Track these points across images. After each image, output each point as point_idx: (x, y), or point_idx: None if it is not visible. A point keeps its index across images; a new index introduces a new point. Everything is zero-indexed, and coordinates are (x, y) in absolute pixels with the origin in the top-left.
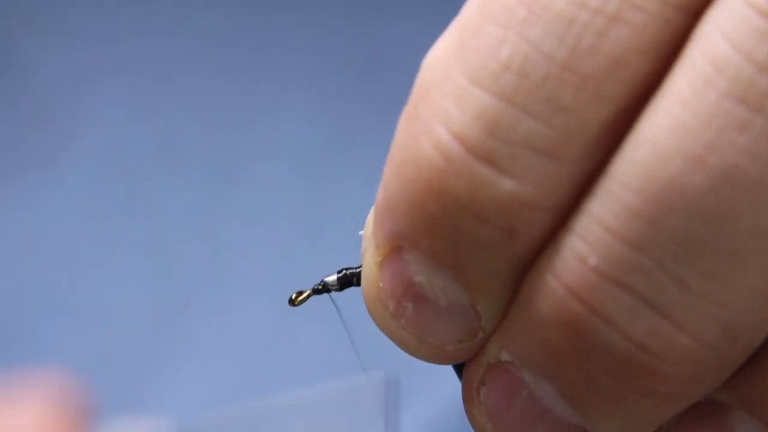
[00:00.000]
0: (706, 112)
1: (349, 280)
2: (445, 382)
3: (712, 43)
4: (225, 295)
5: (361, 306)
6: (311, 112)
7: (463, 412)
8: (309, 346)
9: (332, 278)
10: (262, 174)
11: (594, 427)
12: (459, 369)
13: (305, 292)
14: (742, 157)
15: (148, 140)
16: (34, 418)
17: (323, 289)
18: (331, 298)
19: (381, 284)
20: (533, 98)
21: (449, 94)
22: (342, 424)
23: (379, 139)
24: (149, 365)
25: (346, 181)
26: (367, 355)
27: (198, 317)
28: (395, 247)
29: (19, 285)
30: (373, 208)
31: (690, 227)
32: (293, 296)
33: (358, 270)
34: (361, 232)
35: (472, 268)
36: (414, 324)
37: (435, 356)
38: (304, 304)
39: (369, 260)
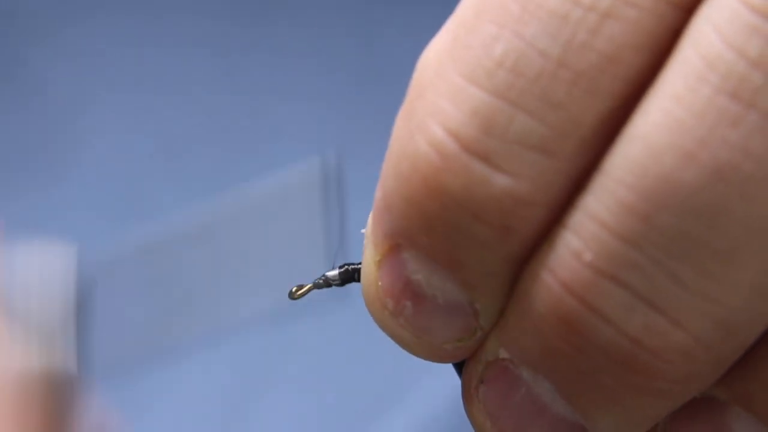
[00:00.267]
0: (698, 107)
1: (351, 275)
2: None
3: (704, 39)
4: (227, 301)
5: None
6: (314, 118)
7: (461, 410)
8: (309, 350)
9: (334, 273)
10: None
11: (591, 423)
12: (459, 367)
13: (306, 285)
14: (734, 153)
15: (153, 149)
16: None
17: (324, 283)
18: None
19: (380, 283)
20: (527, 95)
21: (444, 91)
22: (281, 215)
23: (381, 144)
24: (144, 373)
25: (349, 189)
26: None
27: (200, 324)
28: (393, 246)
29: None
30: (373, 207)
31: (683, 223)
32: (293, 289)
33: (359, 266)
34: (363, 230)
35: (469, 265)
36: (413, 322)
37: (434, 355)
38: (304, 298)
39: (368, 259)
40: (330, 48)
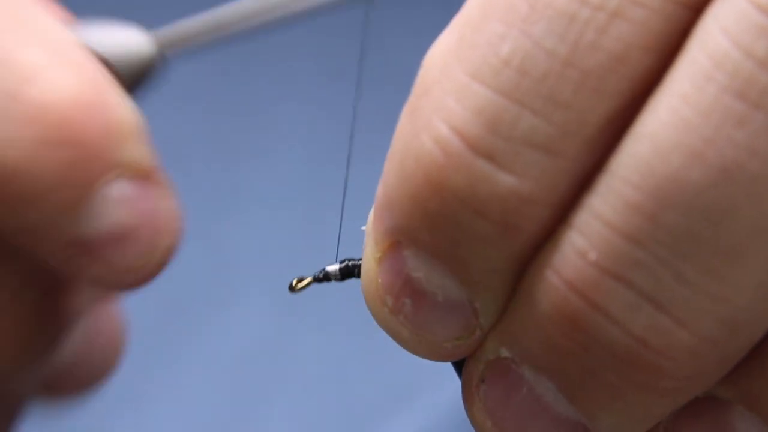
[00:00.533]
0: (705, 107)
1: (351, 271)
2: (443, 381)
3: (712, 39)
4: (226, 299)
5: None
6: (315, 126)
7: (462, 411)
8: (311, 348)
9: (334, 268)
10: (266, 180)
11: (593, 422)
12: (458, 367)
13: (306, 278)
14: (740, 153)
15: (154, 149)
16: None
17: (324, 277)
18: None
19: (380, 280)
20: (533, 94)
21: (450, 89)
22: None
23: (383, 145)
24: (151, 366)
25: (352, 194)
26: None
27: (199, 320)
28: (394, 243)
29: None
30: (374, 204)
31: (689, 222)
32: (293, 282)
33: (359, 262)
34: (363, 227)
35: (471, 263)
36: (412, 320)
37: (433, 353)
38: (304, 292)
39: (368, 256)
40: (331, 49)
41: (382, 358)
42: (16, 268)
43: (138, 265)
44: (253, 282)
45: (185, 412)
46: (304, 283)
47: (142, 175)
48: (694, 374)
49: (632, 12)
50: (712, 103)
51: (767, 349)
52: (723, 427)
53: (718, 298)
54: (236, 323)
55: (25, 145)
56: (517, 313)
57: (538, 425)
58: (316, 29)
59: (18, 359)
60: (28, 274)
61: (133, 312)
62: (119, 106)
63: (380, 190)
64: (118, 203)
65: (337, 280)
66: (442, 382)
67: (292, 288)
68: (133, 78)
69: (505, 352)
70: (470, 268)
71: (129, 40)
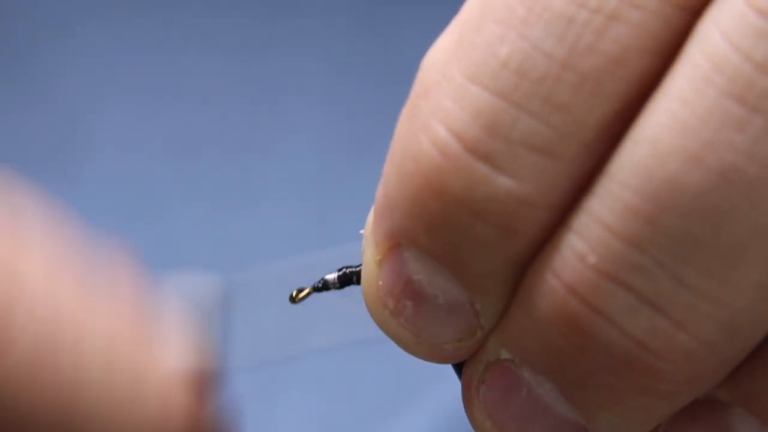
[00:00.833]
0: (704, 110)
1: (349, 278)
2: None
3: (710, 41)
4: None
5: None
6: (326, 122)
7: (460, 412)
8: (317, 358)
9: (332, 276)
10: (277, 182)
11: (593, 424)
12: (458, 368)
13: (305, 289)
14: (740, 157)
15: (163, 148)
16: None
17: (323, 287)
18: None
19: (380, 282)
20: (532, 97)
21: (448, 91)
22: None
23: (389, 142)
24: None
25: (362, 190)
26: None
27: None
28: (394, 245)
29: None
30: (373, 206)
31: (688, 226)
32: (293, 293)
33: (358, 268)
34: (362, 231)
35: (471, 266)
36: (413, 323)
37: (434, 355)
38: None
39: (368, 258)
40: (341, 47)
41: (389, 352)
42: None
43: None
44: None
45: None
46: (304, 293)
47: None
48: (694, 377)
49: (630, 14)
50: (711, 106)
51: (767, 351)
52: (723, 430)
53: (717, 301)
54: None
55: None
56: (518, 315)
57: (538, 426)
58: (326, 23)
59: None
60: None
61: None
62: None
63: (380, 192)
64: None
65: (336, 288)
66: (451, 384)
67: (292, 299)
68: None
69: (505, 354)
70: (470, 270)
71: (204, 291)
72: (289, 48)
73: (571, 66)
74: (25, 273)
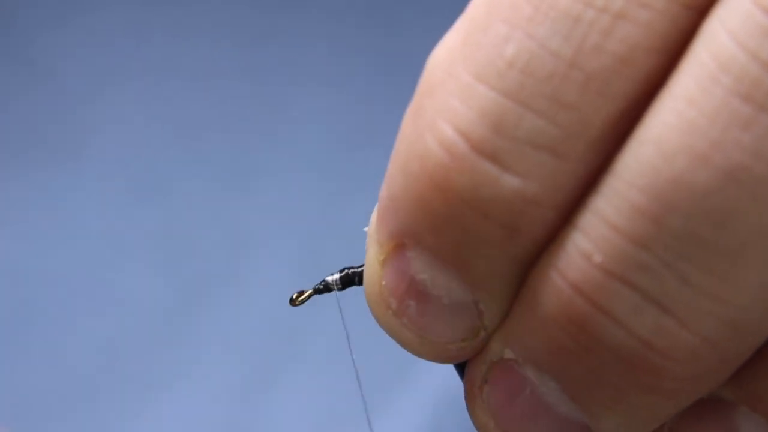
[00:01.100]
0: (711, 109)
1: (351, 279)
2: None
3: (717, 41)
4: (240, 288)
5: (363, 305)
6: (331, 110)
7: (456, 410)
8: (321, 338)
9: (334, 277)
10: (281, 169)
11: (597, 423)
12: (460, 368)
13: (306, 291)
14: (746, 156)
15: (168, 133)
16: None
17: (324, 288)
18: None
19: (383, 282)
20: (538, 96)
21: (454, 91)
22: None
23: (394, 129)
24: (163, 354)
25: (367, 178)
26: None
27: (213, 309)
28: (398, 245)
29: (37, 274)
30: (376, 206)
31: (694, 225)
32: (294, 296)
33: (359, 269)
34: (366, 229)
35: (476, 265)
36: (416, 323)
37: (437, 355)
38: (306, 303)
39: (371, 258)
40: (349, 37)
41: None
42: None
43: None
44: (268, 261)
45: (201, 388)
46: (305, 295)
47: None
48: (698, 375)
49: (637, 13)
50: (718, 105)
51: None
52: (727, 429)
53: (722, 300)
54: (252, 301)
55: None
56: (522, 315)
57: (541, 425)
58: (331, 10)
59: None
60: None
61: (152, 290)
62: None
63: (384, 192)
64: None
65: (338, 289)
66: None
67: (292, 301)
68: None
69: (509, 353)
70: (475, 269)
71: None
72: (295, 35)
73: (578, 65)
74: None
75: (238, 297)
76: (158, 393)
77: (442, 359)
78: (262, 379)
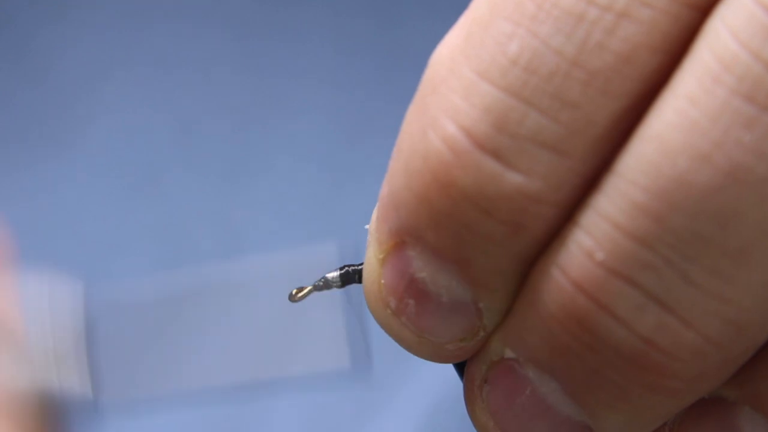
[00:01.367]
0: (713, 109)
1: (351, 277)
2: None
3: (720, 40)
4: (240, 283)
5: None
6: (330, 103)
7: (455, 410)
8: (322, 335)
9: (333, 275)
10: (279, 163)
11: (598, 423)
12: (459, 368)
13: (306, 288)
14: (748, 156)
15: (166, 127)
16: None
17: (324, 285)
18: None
19: (383, 281)
20: (541, 93)
21: (457, 88)
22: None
23: (397, 134)
24: (162, 350)
25: (365, 173)
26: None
27: (212, 305)
28: (398, 243)
29: (33, 266)
30: (377, 204)
31: (696, 224)
32: (293, 292)
33: (359, 267)
34: (367, 226)
35: (477, 263)
36: (415, 322)
37: (435, 355)
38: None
39: (371, 256)
40: (349, 30)
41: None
42: None
43: None
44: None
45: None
46: (304, 292)
47: None
48: (701, 374)
49: (640, 12)
50: (720, 105)
51: None
52: (729, 428)
53: (724, 299)
54: (250, 310)
55: None
56: (523, 314)
57: (541, 425)
58: (331, 6)
59: None
60: None
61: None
62: None
63: (385, 189)
64: None
65: (337, 287)
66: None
67: (292, 298)
68: None
69: (509, 353)
70: (476, 267)
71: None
72: (295, 28)
73: (581, 63)
74: None
75: (235, 291)
76: (157, 390)
77: (441, 359)
78: (261, 378)
